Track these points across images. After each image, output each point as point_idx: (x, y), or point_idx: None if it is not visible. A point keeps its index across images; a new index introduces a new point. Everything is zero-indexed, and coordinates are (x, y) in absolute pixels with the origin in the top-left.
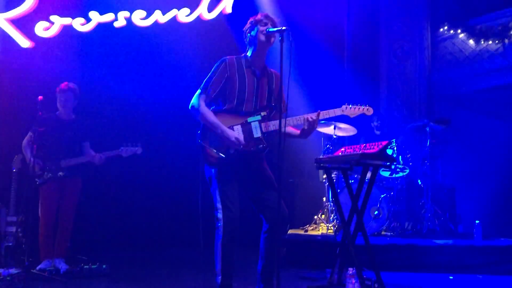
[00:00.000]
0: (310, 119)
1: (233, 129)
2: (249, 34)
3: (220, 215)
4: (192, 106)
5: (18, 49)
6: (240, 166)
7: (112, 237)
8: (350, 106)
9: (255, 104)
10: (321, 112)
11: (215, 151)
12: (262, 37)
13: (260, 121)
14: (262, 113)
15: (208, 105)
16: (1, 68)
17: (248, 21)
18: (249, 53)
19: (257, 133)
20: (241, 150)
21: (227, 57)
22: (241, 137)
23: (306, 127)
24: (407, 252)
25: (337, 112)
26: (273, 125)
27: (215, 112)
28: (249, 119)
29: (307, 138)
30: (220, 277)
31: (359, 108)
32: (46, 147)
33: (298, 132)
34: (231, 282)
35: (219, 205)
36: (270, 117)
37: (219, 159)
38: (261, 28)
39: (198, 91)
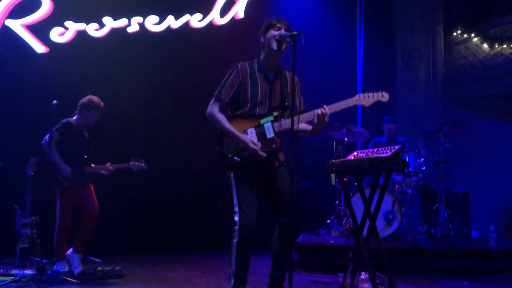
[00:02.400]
0: (320, 113)
1: (246, 133)
2: (262, 38)
3: (236, 218)
4: (208, 114)
5: (33, 54)
6: (256, 168)
7: (126, 240)
8: (364, 94)
9: (269, 107)
10: (334, 104)
11: (230, 155)
12: (274, 42)
13: (272, 122)
14: (275, 114)
15: (223, 111)
16: (16, 73)
17: (263, 25)
18: (262, 57)
19: (270, 134)
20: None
21: (240, 63)
22: (255, 139)
23: (316, 122)
24: (421, 256)
25: (349, 102)
26: (285, 124)
27: (230, 118)
28: (262, 121)
29: (319, 132)
30: (233, 280)
31: (373, 96)
32: (70, 152)
33: (310, 127)
34: (244, 285)
35: (236, 208)
36: (283, 117)
37: (235, 163)
38: (274, 33)
39: (213, 98)
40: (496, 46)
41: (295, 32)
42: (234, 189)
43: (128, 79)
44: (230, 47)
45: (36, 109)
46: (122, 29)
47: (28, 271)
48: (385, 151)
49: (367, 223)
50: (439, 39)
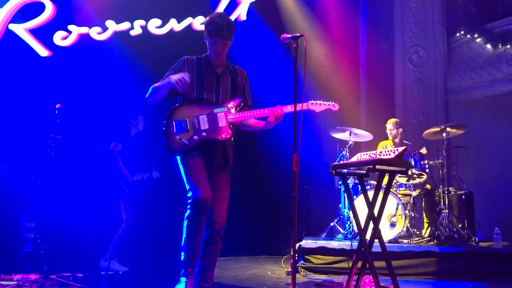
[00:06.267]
0: (276, 112)
1: (198, 118)
2: (206, 39)
3: (189, 194)
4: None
5: (37, 58)
6: (204, 153)
7: (128, 244)
8: (317, 101)
9: (217, 98)
10: (287, 106)
11: (179, 137)
12: (209, 45)
13: (226, 112)
14: (229, 105)
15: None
16: (19, 77)
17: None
18: (209, 53)
19: (222, 123)
20: (205, 137)
21: (186, 56)
22: (206, 126)
23: (272, 120)
24: (425, 259)
25: (304, 106)
26: (239, 116)
27: (180, 105)
28: (215, 110)
29: (269, 128)
30: (183, 254)
31: (324, 104)
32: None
33: (262, 124)
34: (195, 261)
35: (188, 186)
36: (236, 110)
37: (183, 146)
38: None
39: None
40: (500, 46)
41: (297, 34)
42: (183, 169)
43: (131, 82)
44: (231, 49)
45: (39, 113)
46: (125, 32)
47: (32, 276)
48: (388, 153)
49: (371, 225)
50: (442, 40)
